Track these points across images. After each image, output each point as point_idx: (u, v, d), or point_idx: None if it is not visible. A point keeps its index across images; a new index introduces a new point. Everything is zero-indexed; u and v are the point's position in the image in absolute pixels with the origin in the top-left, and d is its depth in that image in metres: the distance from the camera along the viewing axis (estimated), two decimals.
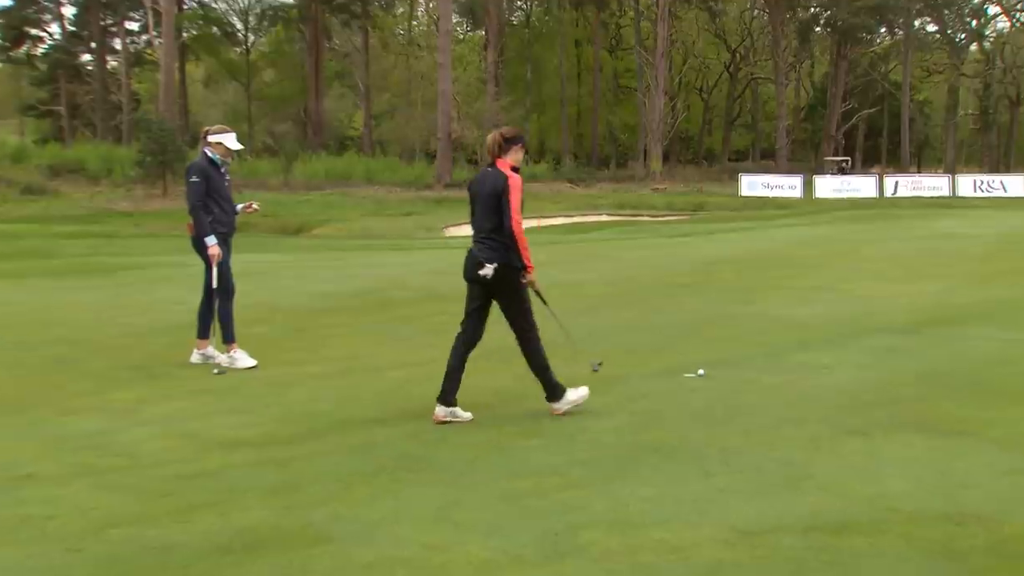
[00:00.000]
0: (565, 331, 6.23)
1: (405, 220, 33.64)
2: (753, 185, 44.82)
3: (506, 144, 5.65)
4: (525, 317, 5.67)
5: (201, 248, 7.13)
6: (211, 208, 7.07)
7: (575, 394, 5.81)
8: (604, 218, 37.30)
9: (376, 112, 64.24)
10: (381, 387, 6.65)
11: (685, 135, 78.18)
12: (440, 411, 5.63)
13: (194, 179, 7.02)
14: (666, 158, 63.79)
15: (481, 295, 5.69)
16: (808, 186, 44.09)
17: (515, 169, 5.61)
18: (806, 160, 68.80)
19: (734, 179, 49.26)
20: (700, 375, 6.71)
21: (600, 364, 6.30)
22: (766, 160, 70.47)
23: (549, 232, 30.93)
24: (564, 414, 5.75)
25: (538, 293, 5.77)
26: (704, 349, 7.75)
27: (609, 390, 6.36)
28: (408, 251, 20.38)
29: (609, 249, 19.39)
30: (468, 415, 5.64)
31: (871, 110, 64.96)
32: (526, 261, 5.52)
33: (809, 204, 39.33)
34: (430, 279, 13.45)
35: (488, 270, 5.50)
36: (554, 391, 5.76)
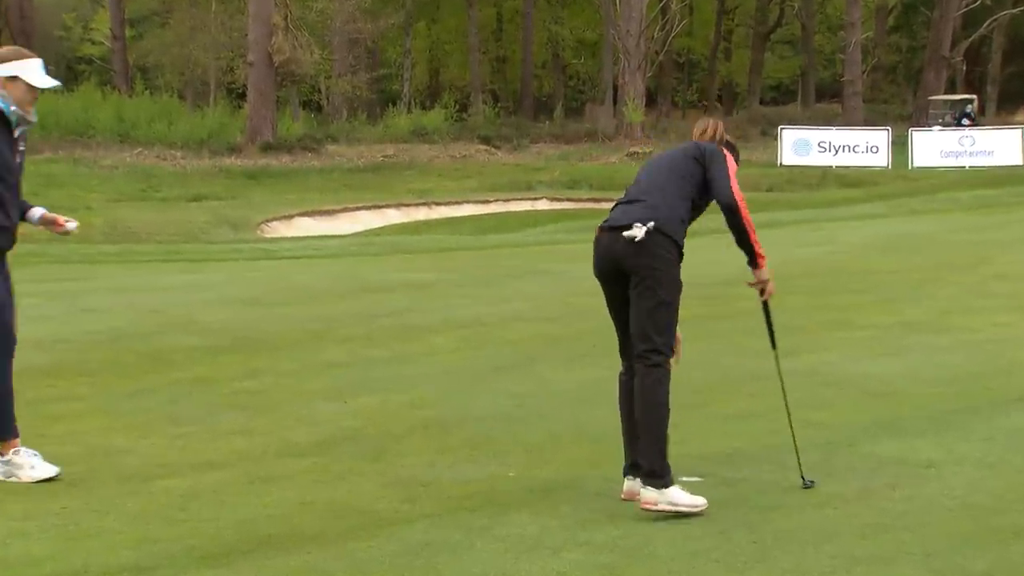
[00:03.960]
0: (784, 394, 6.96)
1: (191, 209, 33.35)
2: (803, 146, 45.89)
3: (723, 146, 6.74)
4: (664, 324, 6.32)
5: None
6: None
7: (687, 497, 6.35)
8: (543, 205, 37.66)
9: (135, 15, 63.72)
10: (145, 509, 6.61)
11: (685, 59, 79.52)
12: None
13: None
14: (651, 100, 64.64)
15: (623, 295, 6.41)
16: (900, 148, 45.24)
17: None
18: (896, 102, 70.44)
19: (771, 135, 50.27)
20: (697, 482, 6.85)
21: (811, 483, 6.80)
22: (827, 103, 71.95)
23: (446, 229, 31.00)
24: (658, 512, 6.24)
25: (767, 313, 6.85)
26: (716, 433, 7.88)
27: (551, 506, 6.44)
28: (199, 265, 20.22)
29: (551, 259, 19.55)
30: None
31: (1015, 10, 63.97)
32: (756, 248, 6.46)
33: (901, 179, 40.24)
34: (237, 314, 13.39)
35: (638, 231, 6.26)
36: (661, 474, 6.31)
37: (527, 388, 9.62)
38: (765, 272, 6.59)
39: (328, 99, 59.47)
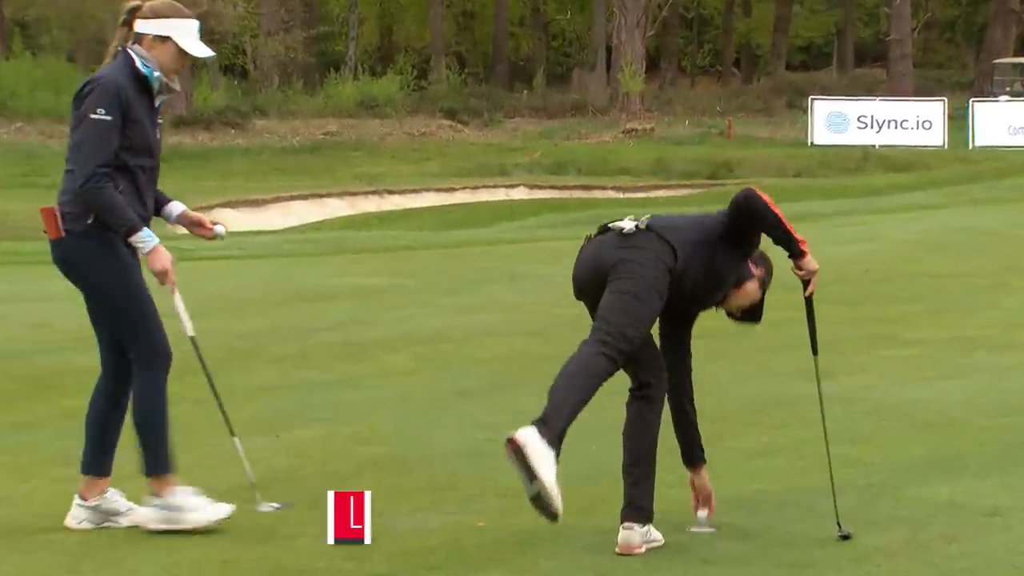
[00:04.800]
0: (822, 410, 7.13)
1: None
2: (839, 120, 45.99)
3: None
4: (620, 312, 6.47)
5: (93, 262, 7.36)
6: (113, 178, 7.23)
7: (655, 534, 6.70)
8: (521, 194, 37.63)
9: None
10: (26, 570, 6.59)
11: (695, 15, 79.72)
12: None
13: (100, 113, 7.20)
14: (653, 65, 64.72)
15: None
16: (959, 123, 45.53)
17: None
18: (953, 67, 70.69)
19: (799, 107, 50.32)
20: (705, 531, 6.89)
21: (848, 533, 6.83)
22: (868, 68, 72.18)
23: (402, 224, 31.01)
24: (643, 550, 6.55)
25: (810, 312, 7.00)
26: (734, 473, 7.87)
27: (529, 563, 6.49)
28: None
29: (531, 260, 19.51)
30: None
31: None
32: (792, 233, 6.60)
33: (960, 161, 40.41)
34: None
35: (628, 223, 6.64)
36: (643, 510, 6.62)
37: (501, 418, 9.54)
38: (813, 260, 6.69)
39: (255, 63, 59.36)
